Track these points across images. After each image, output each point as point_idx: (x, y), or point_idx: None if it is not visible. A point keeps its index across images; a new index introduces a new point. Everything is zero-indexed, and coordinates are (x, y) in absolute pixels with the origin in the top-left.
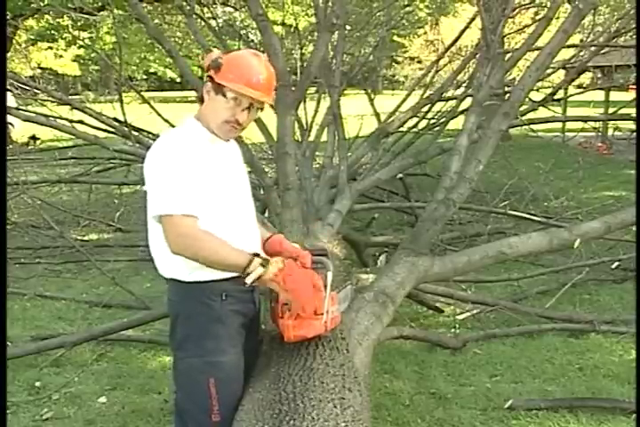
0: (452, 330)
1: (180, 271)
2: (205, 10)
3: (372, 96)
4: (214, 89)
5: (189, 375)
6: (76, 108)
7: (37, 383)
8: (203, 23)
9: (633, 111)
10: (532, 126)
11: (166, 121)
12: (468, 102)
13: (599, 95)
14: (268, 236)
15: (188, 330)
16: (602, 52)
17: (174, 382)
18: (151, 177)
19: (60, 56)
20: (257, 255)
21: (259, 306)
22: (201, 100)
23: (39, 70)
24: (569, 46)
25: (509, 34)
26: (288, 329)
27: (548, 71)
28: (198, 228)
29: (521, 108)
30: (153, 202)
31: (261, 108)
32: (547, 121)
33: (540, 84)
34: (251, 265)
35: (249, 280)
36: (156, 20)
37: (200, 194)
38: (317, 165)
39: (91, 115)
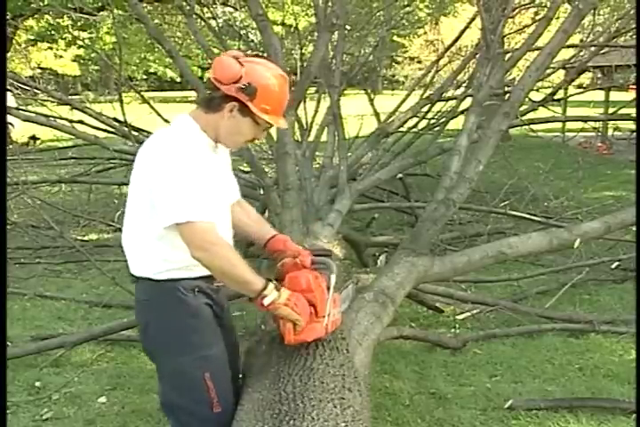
0: (452, 330)
1: (155, 270)
2: (205, 10)
3: (372, 96)
4: (242, 111)
5: (184, 374)
6: (76, 108)
7: (37, 383)
8: (203, 23)
9: (633, 111)
10: (532, 126)
11: (166, 121)
12: (468, 102)
13: (599, 95)
14: (271, 234)
15: (168, 328)
16: (602, 52)
17: (164, 384)
18: (162, 183)
19: (60, 56)
20: (269, 280)
21: (227, 305)
22: (209, 107)
23: (39, 70)
24: (569, 46)
25: (509, 34)
26: (289, 332)
27: (548, 71)
28: (222, 237)
29: (521, 108)
30: (168, 209)
31: None
32: (547, 121)
33: (540, 84)
34: (267, 288)
35: (266, 302)
36: (156, 20)
37: (208, 201)
38: (317, 165)
39: (91, 115)
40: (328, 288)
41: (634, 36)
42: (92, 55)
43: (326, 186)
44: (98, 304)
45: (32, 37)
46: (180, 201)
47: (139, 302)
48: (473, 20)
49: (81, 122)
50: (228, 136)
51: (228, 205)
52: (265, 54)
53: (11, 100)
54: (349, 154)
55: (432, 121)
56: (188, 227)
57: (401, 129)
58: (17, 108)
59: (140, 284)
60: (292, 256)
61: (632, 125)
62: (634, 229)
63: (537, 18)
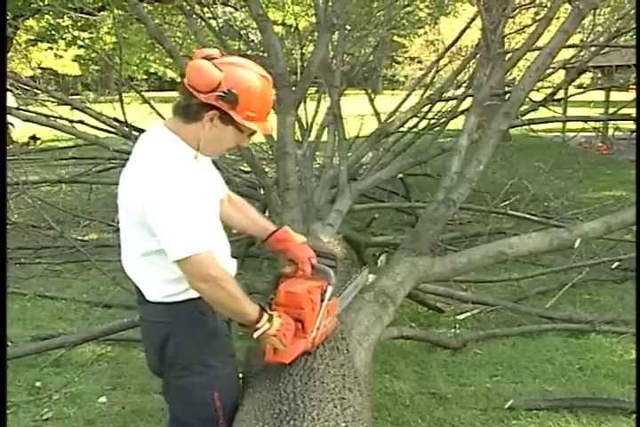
0: (452, 330)
1: (169, 292)
2: (205, 10)
3: (372, 96)
4: (223, 120)
5: (192, 392)
6: (76, 109)
7: (37, 383)
8: (203, 23)
9: (633, 111)
10: (532, 126)
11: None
12: (468, 102)
13: (599, 95)
14: (271, 231)
15: (183, 348)
16: (602, 52)
17: (169, 398)
18: (159, 215)
19: (61, 56)
20: (263, 309)
21: None
22: (186, 116)
23: (39, 70)
24: (569, 46)
25: (509, 34)
26: (269, 353)
27: (548, 71)
28: (222, 267)
29: (521, 108)
30: (170, 245)
31: None
32: (547, 121)
33: (540, 84)
34: (260, 321)
35: (256, 335)
36: (157, 20)
37: (206, 222)
38: (317, 165)
39: (91, 115)
40: (322, 300)
41: (634, 36)
42: (93, 55)
43: (327, 186)
44: (98, 304)
45: (32, 37)
46: (179, 235)
47: (153, 323)
48: (473, 20)
49: (81, 122)
50: (209, 145)
51: (217, 212)
52: (265, 54)
53: (11, 100)
54: (350, 154)
55: (432, 121)
56: (188, 261)
57: (401, 129)
58: (17, 108)
59: (155, 307)
60: (294, 262)
61: (632, 125)
62: (634, 229)
63: (537, 18)
